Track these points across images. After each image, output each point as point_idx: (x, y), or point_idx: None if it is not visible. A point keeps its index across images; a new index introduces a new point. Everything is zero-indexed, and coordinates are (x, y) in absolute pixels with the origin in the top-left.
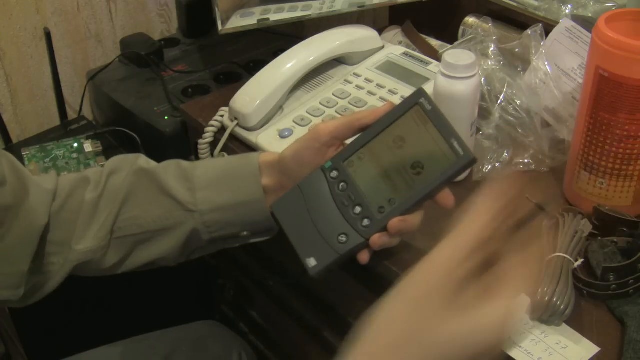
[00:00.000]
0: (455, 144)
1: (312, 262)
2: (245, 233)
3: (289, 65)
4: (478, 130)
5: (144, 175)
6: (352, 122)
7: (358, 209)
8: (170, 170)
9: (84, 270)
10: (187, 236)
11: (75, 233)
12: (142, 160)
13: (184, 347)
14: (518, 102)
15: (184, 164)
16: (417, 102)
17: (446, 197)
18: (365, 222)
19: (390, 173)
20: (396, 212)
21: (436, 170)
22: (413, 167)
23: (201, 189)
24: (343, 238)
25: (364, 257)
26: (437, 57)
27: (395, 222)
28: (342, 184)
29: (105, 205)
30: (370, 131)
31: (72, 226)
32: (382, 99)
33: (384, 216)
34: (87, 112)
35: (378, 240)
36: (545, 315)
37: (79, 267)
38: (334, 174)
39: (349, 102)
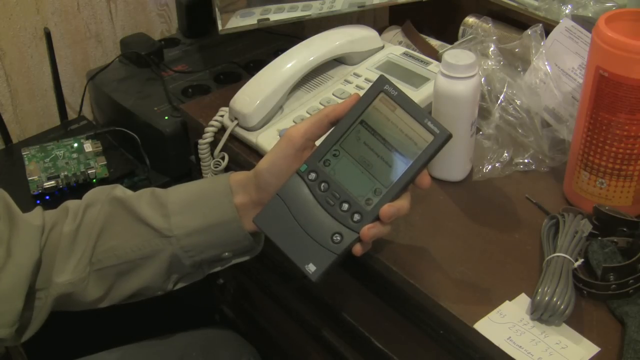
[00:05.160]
0: (430, 123)
1: (311, 267)
2: (226, 254)
3: (289, 65)
4: (478, 130)
5: (119, 204)
6: (321, 119)
7: (345, 206)
8: (144, 198)
9: (67, 305)
10: (167, 263)
11: (55, 266)
12: (118, 190)
13: (193, 352)
14: (518, 102)
15: (158, 191)
16: (382, 89)
17: (423, 177)
18: (356, 216)
19: (370, 164)
20: (385, 200)
21: (415, 152)
22: (391, 154)
23: (175, 214)
24: (337, 237)
25: (357, 249)
26: (437, 57)
27: (387, 209)
28: (322, 184)
29: (82, 238)
30: (340, 127)
31: (52, 259)
32: None
33: (374, 207)
34: (87, 112)
35: (368, 232)
36: (545, 315)
37: (62, 301)
38: (312, 175)
39: None
